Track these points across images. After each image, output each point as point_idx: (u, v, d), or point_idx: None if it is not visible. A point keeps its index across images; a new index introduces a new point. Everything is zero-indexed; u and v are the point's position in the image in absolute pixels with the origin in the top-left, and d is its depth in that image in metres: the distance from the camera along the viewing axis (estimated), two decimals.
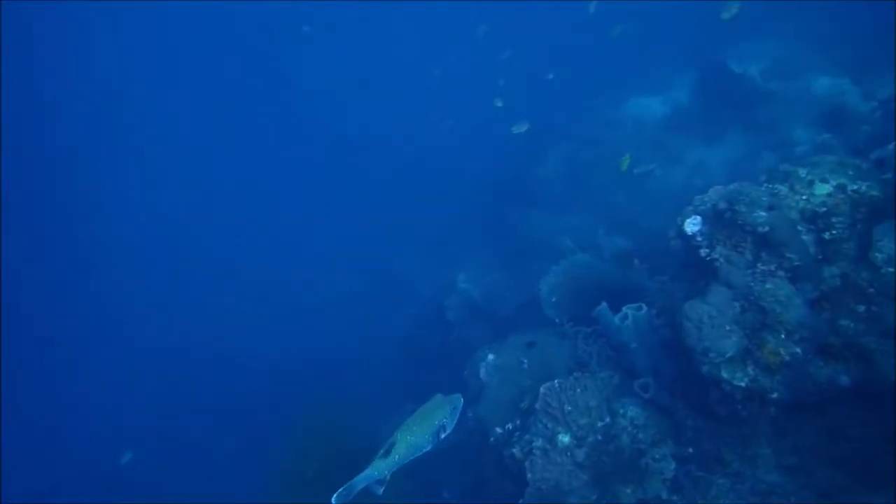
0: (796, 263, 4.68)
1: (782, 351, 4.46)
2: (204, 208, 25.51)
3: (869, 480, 4.57)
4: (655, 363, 5.54)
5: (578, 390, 5.74)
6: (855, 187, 4.90)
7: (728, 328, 4.65)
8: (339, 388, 12.81)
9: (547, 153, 12.87)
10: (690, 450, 5.22)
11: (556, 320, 7.37)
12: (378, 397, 11.86)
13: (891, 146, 5.53)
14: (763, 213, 4.84)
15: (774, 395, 4.50)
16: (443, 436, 4.11)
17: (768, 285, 4.63)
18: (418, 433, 4.00)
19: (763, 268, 4.77)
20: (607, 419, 5.60)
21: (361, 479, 3.80)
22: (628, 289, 6.69)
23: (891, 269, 4.55)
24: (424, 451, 4.02)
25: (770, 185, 5.23)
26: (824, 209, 4.82)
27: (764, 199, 4.93)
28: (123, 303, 22.49)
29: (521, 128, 10.31)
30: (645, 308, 5.55)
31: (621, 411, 5.59)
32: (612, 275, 7.16)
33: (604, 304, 5.93)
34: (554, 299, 7.53)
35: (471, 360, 7.50)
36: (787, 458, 4.92)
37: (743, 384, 4.56)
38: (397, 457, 3.90)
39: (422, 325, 13.06)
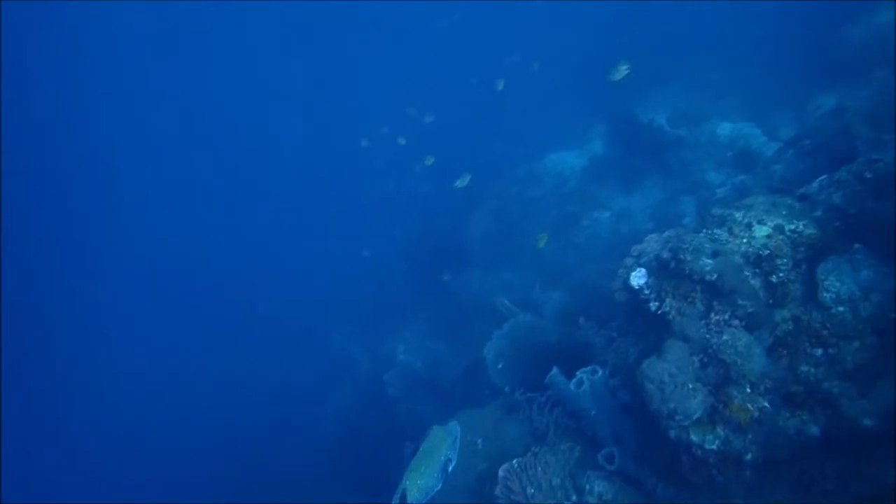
0: (750, 310, 4.49)
1: (750, 406, 4.18)
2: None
3: None
4: (617, 429, 5.15)
5: (539, 468, 5.24)
6: (792, 227, 4.84)
7: (691, 386, 4.34)
8: (270, 485, 11.69)
9: (474, 211, 12.76)
10: None
11: (506, 388, 6.91)
12: (318, 489, 10.86)
13: (815, 183, 5.60)
14: (709, 261, 4.67)
15: (748, 457, 4.18)
16: (450, 469, 4.13)
17: (725, 336, 4.39)
18: (426, 473, 3.95)
19: (717, 317, 4.55)
20: (574, 498, 5.10)
21: None
22: (576, 348, 6.36)
23: (841, 309, 4.42)
24: (436, 490, 3.98)
25: (709, 231, 5.11)
26: (767, 251, 4.70)
27: (707, 245, 4.78)
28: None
29: (463, 181, 10.10)
30: (600, 371, 5.19)
31: (587, 487, 5.12)
32: (557, 335, 6.83)
33: (555, 370, 5.55)
34: (500, 366, 7.08)
35: None
36: None
37: (715, 447, 4.22)
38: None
39: (362, 403, 12.26)
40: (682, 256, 4.72)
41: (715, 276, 4.58)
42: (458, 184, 10.06)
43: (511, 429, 6.13)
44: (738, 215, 5.06)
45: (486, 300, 10.39)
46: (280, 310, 18.62)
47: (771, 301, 4.65)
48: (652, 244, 5.94)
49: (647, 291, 5.00)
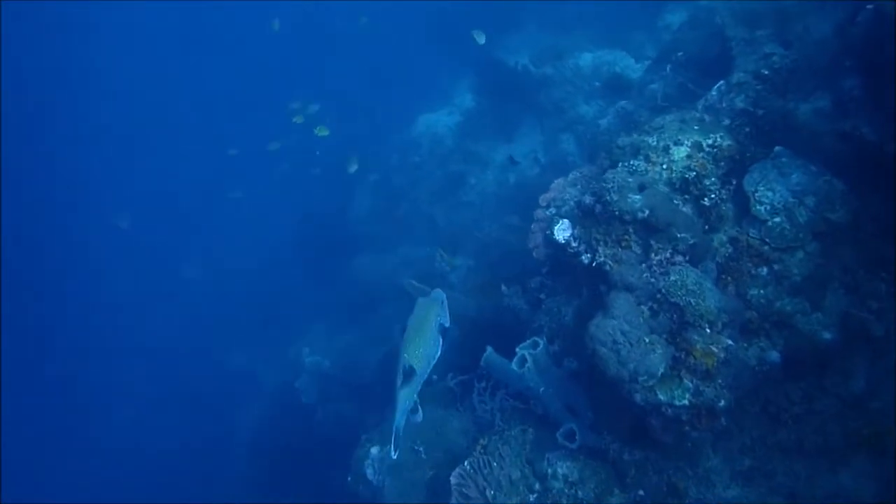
0: (691, 241, 4.03)
1: (714, 348, 3.73)
2: None
3: (830, 459, 4.05)
4: (570, 401, 4.60)
5: (494, 464, 4.60)
6: (710, 142, 4.42)
7: (647, 340, 3.82)
8: None
9: (354, 190, 11.75)
10: (641, 492, 4.33)
11: (433, 376, 6.17)
12: None
13: (713, 91, 5.27)
14: (637, 196, 4.14)
15: (722, 404, 3.75)
16: (445, 332, 3.96)
17: (673, 276, 3.89)
18: (423, 342, 3.76)
19: (658, 257, 4.05)
20: (537, 486, 4.53)
21: (401, 418, 3.60)
22: (503, 318, 5.74)
23: (777, 219, 4.09)
24: (437, 357, 3.85)
25: (625, 164, 4.58)
26: (693, 173, 4.25)
27: (630, 180, 4.24)
28: None
29: (352, 166, 9.01)
30: (541, 343, 4.58)
31: (550, 471, 4.55)
32: (480, 308, 6.16)
33: (489, 350, 4.88)
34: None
35: (352, 461, 6.02)
36: (739, 463, 4.26)
37: (686, 402, 3.75)
38: (417, 378, 3.67)
39: (277, 419, 11.11)
40: (607, 197, 4.16)
41: (647, 212, 4.06)
42: (350, 169, 9.00)
43: (452, 422, 5.45)
44: (651, 140, 4.57)
45: (389, 281, 9.58)
46: (167, 338, 16.58)
47: (706, 227, 4.23)
48: (563, 191, 5.39)
49: (574, 244, 4.42)
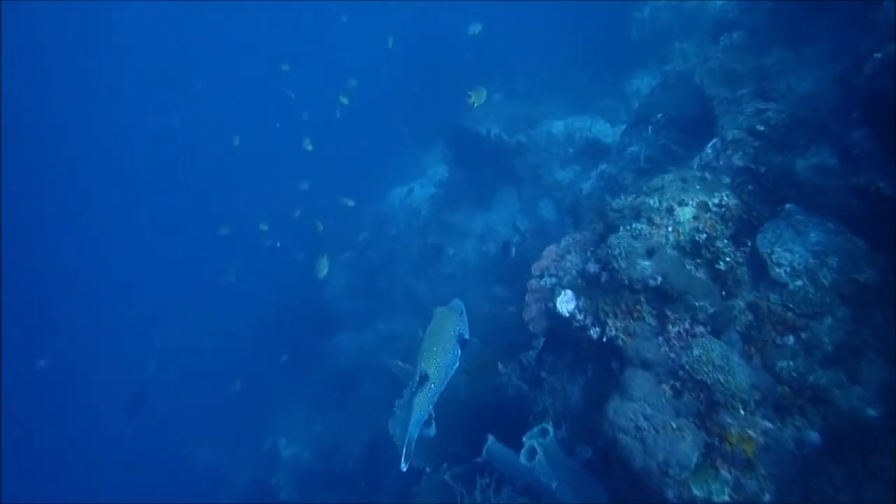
0: (710, 310, 3.65)
1: (752, 432, 3.30)
2: None
3: None
4: (587, 497, 4.05)
5: None
6: (716, 201, 4.14)
7: (675, 425, 3.36)
8: None
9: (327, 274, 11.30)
10: None
11: (427, 468, 5.57)
12: None
13: (708, 150, 5.08)
14: (647, 263, 3.78)
15: (767, 498, 3.27)
16: (465, 343, 3.75)
17: (696, 351, 3.49)
18: (441, 352, 3.58)
19: (676, 329, 3.65)
20: None
21: (414, 429, 3.43)
22: (503, 400, 5.22)
23: (799, 283, 3.75)
24: (454, 368, 3.65)
25: (627, 228, 4.26)
26: (704, 235, 3.92)
27: (637, 245, 3.89)
28: None
29: (323, 268, 8.54)
30: (551, 431, 4.07)
31: None
32: (473, 388, 5.64)
33: (491, 439, 4.35)
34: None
35: None
36: None
37: (726, 497, 3.26)
38: (433, 385, 3.51)
39: None
40: (614, 265, 3.80)
41: (659, 279, 3.70)
42: (319, 273, 8.58)
43: None
44: (653, 201, 4.27)
45: (370, 360, 9.00)
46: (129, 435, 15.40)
47: (723, 293, 3.87)
48: (557, 259, 5.03)
49: (580, 317, 4.01)
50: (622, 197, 4.86)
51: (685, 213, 4.10)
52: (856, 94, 3.78)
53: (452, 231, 10.56)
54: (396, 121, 15.31)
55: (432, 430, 3.59)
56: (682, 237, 4.04)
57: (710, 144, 4.98)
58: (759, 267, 3.94)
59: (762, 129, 4.72)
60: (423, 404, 3.47)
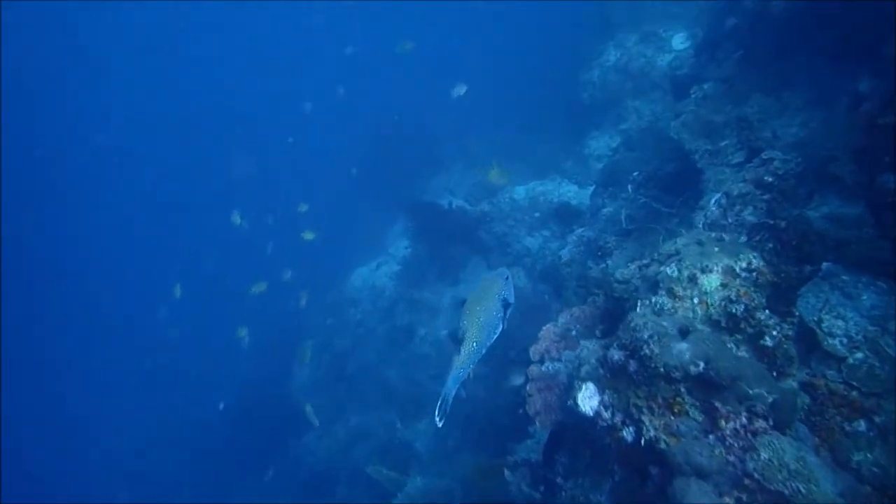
0: (769, 399, 3.01)
1: None
2: None
3: None
4: None
5: None
6: (743, 265, 3.59)
7: None
8: None
9: (292, 360, 10.32)
10: None
11: None
12: None
13: (713, 207, 4.60)
14: (683, 345, 3.15)
15: None
16: (509, 309, 3.62)
17: (764, 453, 2.82)
18: (485, 312, 3.47)
19: (731, 425, 2.98)
20: None
21: (452, 385, 3.33)
22: None
23: (860, 355, 3.18)
24: (499, 331, 3.54)
25: (646, 303, 3.65)
26: (741, 306, 3.34)
27: (666, 324, 3.27)
28: None
29: (304, 357, 7.65)
30: None
31: None
32: (467, 489, 4.80)
33: None
34: None
35: None
36: None
37: None
38: (475, 344, 3.41)
39: None
40: (645, 351, 3.14)
41: (701, 364, 3.05)
42: (298, 363, 7.73)
43: None
44: (671, 270, 3.70)
45: (342, 458, 7.98)
46: None
47: (774, 373, 3.25)
48: (558, 341, 4.37)
49: (607, 415, 3.31)
50: (630, 265, 4.31)
51: (711, 282, 3.53)
52: (888, 136, 3.36)
53: (422, 309, 9.85)
54: (353, 194, 14.78)
55: (463, 394, 3.48)
56: (712, 309, 3.45)
57: (713, 201, 4.52)
58: (806, 339, 3.36)
59: (770, 180, 4.29)
60: (463, 362, 3.40)
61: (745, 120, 5.81)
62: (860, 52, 5.27)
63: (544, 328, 4.77)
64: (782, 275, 3.73)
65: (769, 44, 6.12)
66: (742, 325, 3.31)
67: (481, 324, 3.46)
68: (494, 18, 19.37)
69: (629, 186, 7.00)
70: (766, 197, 4.24)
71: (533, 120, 14.46)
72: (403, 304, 10.17)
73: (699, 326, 3.36)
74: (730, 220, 4.32)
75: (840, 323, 3.26)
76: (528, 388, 4.46)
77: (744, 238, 4.09)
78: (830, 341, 3.24)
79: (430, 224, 11.51)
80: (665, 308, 3.56)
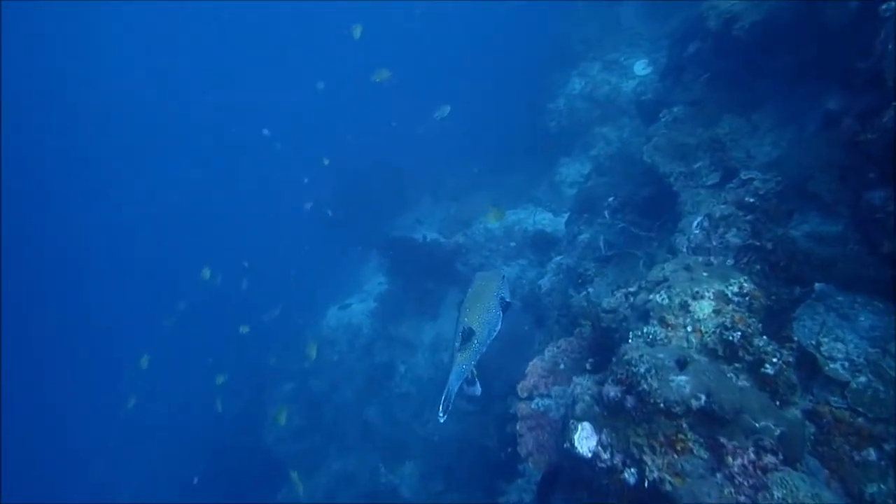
0: (777, 431, 2.84)
1: None
2: None
3: None
4: None
5: None
6: (734, 289, 3.47)
7: None
8: None
9: (267, 406, 9.88)
10: None
11: None
12: None
13: (695, 230, 4.50)
14: (682, 378, 2.98)
15: None
16: (507, 307, 3.67)
17: (777, 492, 2.64)
18: (484, 309, 3.49)
19: (738, 461, 2.80)
20: None
21: (454, 382, 3.35)
22: None
23: (862, 379, 3.06)
24: (498, 329, 3.55)
25: (637, 333, 3.49)
26: (737, 333, 3.19)
27: (662, 356, 3.10)
28: None
29: (280, 418, 7.31)
30: None
31: None
32: None
33: None
34: None
35: None
36: None
37: None
38: (476, 342, 3.41)
39: None
40: (643, 386, 2.96)
41: (703, 397, 2.89)
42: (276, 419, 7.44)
43: None
44: (660, 298, 3.55)
45: None
46: None
47: (777, 402, 3.10)
48: (546, 376, 4.18)
49: (605, 456, 3.10)
50: (616, 293, 4.16)
51: (703, 308, 3.39)
52: (871, 152, 3.30)
53: (401, 345, 9.57)
54: (323, 231, 14.49)
55: (477, 390, 3.51)
56: (707, 337, 3.30)
57: (695, 223, 4.42)
58: (806, 364, 3.23)
59: (752, 200, 4.22)
60: (465, 358, 3.40)
61: (717, 141, 5.80)
62: (824, 70, 5.34)
63: (531, 363, 4.57)
64: (773, 297, 3.63)
65: (735, 66, 6.17)
66: (740, 353, 3.16)
67: (481, 321, 3.46)
68: (459, 51, 19.62)
69: (606, 212, 6.92)
70: (749, 218, 4.16)
71: (502, 150, 14.51)
72: (382, 341, 9.88)
73: (696, 356, 3.20)
74: (714, 243, 4.22)
75: (839, 346, 3.14)
76: (518, 427, 4.23)
77: (731, 261, 3.99)
78: (832, 366, 3.11)
79: (405, 259, 11.32)
80: (658, 338, 3.40)
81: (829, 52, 5.09)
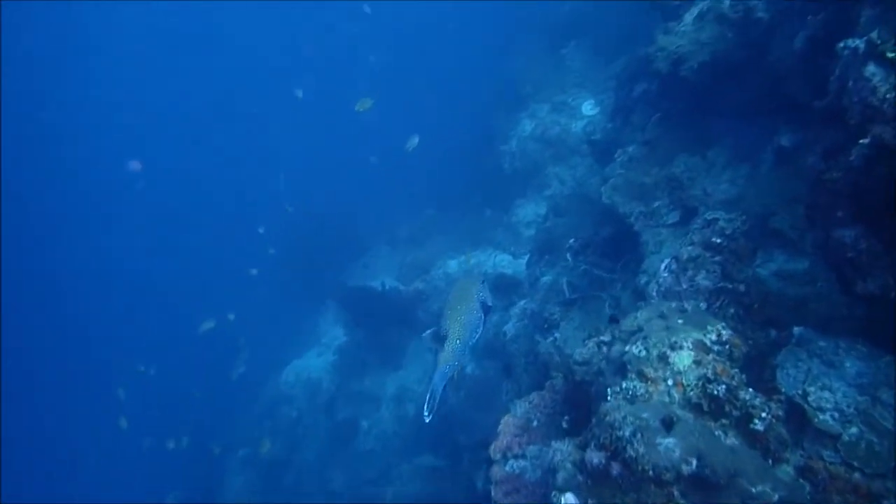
0: (775, 497, 2.62)
1: None
2: None
3: None
4: None
5: None
6: (713, 337, 3.29)
7: None
8: None
9: (223, 478, 9.19)
10: None
11: None
12: None
13: (663, 273, 4.36)
14: (670, 440, 2.75)
15: None
16: (489, 310, 3.73)
17: None
18: (466, 311, 3.55)
19: None
20: None
21: (439, 381, 3.42)
22: None
23: (854, 430, 2.89)
24: (479, 332, 3.60)
25: (616, 390, 3.26)
26: (722, 387, 2.99)
27: (646, 415, 2.87)
28: None
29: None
30: None
31: None
32: None
33: None
34: None
35: None
36: None
37: None
38: (458, 342, 3.48)
39: None
40: (629, 452, 2.71)
41: (694, 462, 2.65)
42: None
43: None
44: (636, 349, 3.35)
45: None
46: None
47: (770, 461, 2.89)
48: (521, 435, 3.90)
49: None
50: (587, 343, 3.94)
51: (683, 359, 3.20)
52: (838, 190, 3.23)
53: (363, 400, 9.13)
54: (279, 283, 13.97)
55: (460, 393, 3.41)
56: (690, 391, 3.09)
57: (663, 266, 4.28)
58: (794, 415, 3.05)
59: (718, 240, 4.11)
60: (447, 359, 3.42)
61: (674, 180, 5.78)
62: (773, 108, 5.42)
63: (503, 420, 4.28)
64: (750, 342, 3.48)
65: (685, 105, 6.23)
66: (727, 408, 2.95)
67: (463, 322, 3.51)
68: (410, 95, 19.74)
69: (568, 254, 6.79)
70: (717, 259, 4.05)
71: (456, 192, 14.45)
72: (343, 397, 9.40)
73: (681, 413, 2.98)
74: (684, 286, 4.08)
75: (827, 395, 2.98)
76: (493, 493, 3.91)
77: (703, 304, 3.84)
78: (821, 417, 2.94)
79: (364, 309, 10.96)
80: (639, 394, 3.17)
81: (777, 90, 5.16)
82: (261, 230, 14.78)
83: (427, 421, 3.36)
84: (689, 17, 5.97)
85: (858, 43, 2.89)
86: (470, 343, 3.58)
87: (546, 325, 6.43)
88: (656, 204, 5.80)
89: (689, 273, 4.08)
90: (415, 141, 9.64)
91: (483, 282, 3.89)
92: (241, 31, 28.35)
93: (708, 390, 3.02)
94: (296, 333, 12.33)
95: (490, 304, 3.79)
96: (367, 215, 15.31)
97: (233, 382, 11.68)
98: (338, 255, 12.77)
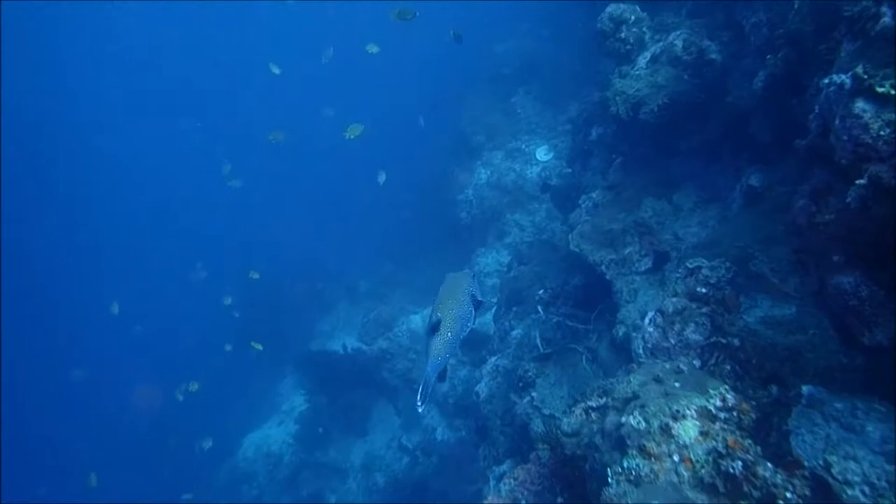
0: None
1: None
2: None
3: None
4: None
5: None
6: (717, 402, 2.97)
7: None
8: None
9: None
10: None
11: None
12: None
13: (648, 327, 4.05)
14: None
15: None
16: (479, 305, 3.66)
17: None
18: (457, 304, 3.51)
19: None
20: None
21: (431, 372, 3.31)
22: None
23: (887, 503, 2.57)
24: (470, 325, 3.57)
25: (618, 470, 2.86)
26: (738, 463, 2.64)
27: (657, 502, 2.48)
28: None
29: None
30: None
31: None
32: None
33: None
34: None
35: None
36: None
37: None
38: (450, 334, 3.42)
39: None
40: None
41: None
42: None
43: None
44: (635, 421, 2.98)
45: None
46: None
47: None
48: None
49: None
50: (574, 409, 3.56)
51: (688, 431, 2.85)
52: (832, 233, 3.01)
53: (329, 472, 8.45)
54: (236, 362, 13.16)
55: (445, 385, 2.97)
56: (700, 469, 2.73)
57: (647, 321, 3.98)
58: (817, 489, 2.71)
59: (703, 290, 3.86)
60: (439, 350, 3.37)
61: (643, 224, 5.57)
62: (735, 148, 5.34)
63: (486, 502, 3.80)
64: (753, 403, 3.17)
65: (646, 148, 6.12)
66: (745, 488, 2.60)
67: (454, 315, 3.47)
68: (362, 150, 19.62)
69: (539, 307, 6.45)
70: (704, 310, 3.78)
71: (414, 245, 14.14)
72: (307, 469, 8.67)
73: (692, 495, 2.61)
74: (672, 342, 3.78)
75: (853, 465, 2.66)
76: None
77: (697, 361, 3.54)
78: (850, 492, 2.61)
79: (326, 373, 10.33)
80: (643, 473, 2.79)
81: (738, 130, 5.07)
82: (227, 301, 14.03)
83: (420, 411, 3.38)
84: (642, 60, 5.94)
85: (844, 78, 2.71)
86: (461, 336, 3.53)
87: (521, 384, 6.03)
88: (627, 251, 5.56)
89: (677, 327, 3.79)
90: (382, 177, 9.44)
91: (474, 276, 3.86)
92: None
93: (722, 467, 2.66)
94: (257, 401, 11.54)
95: (481, 298, 3.73)
96: (325, 271, 14.80)
97: (196, 457, 10.80)
98: (298, 316, 12.17)
